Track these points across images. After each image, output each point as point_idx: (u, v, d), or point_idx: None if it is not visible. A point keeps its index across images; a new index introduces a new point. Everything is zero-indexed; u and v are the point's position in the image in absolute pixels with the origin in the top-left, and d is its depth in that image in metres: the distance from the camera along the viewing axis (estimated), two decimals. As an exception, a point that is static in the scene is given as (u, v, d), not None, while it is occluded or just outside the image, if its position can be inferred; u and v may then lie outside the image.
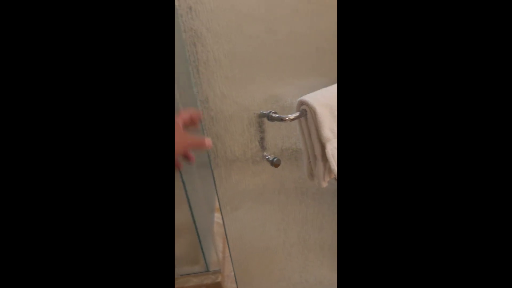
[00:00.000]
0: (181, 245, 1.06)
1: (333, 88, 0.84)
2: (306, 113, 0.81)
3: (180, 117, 0.66)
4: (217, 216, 1.28)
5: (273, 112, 0.86)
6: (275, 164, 0.91)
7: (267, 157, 0.93)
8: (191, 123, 0.69)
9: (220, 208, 0.99)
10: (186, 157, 0.70)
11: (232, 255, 1.07)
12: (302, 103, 0.81)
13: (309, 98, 0.79)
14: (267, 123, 0.92)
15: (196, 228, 1.06)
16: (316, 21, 0.88)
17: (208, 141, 0.65)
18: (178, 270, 1.10)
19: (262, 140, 0.91)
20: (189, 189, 1.00)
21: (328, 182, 0.91)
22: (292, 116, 0.80)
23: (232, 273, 1.12)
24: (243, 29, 0.78)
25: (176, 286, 1.06)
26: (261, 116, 0.88)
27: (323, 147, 0.82)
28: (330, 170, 0.86)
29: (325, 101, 0.79)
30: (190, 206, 1.03)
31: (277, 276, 1.22)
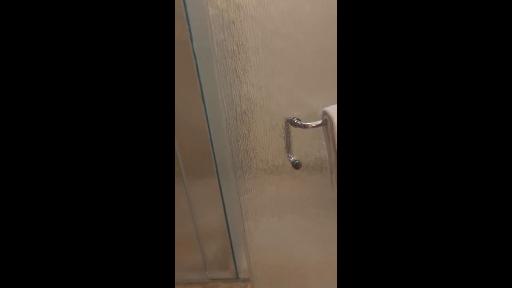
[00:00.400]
0: (213, 249, 1.08)
1: None
2: (327, 122, 0.84)
3: None
4: (252, 224, 1.29)
5: (296, 119, 0.90)
6: (295, 165, 0.93)
7: (290, 159, 0.95)
8: None
9: (242, 215, 1.01)
10: None
11: (251, 265, 1.07)
12: (325, 113, 0.85)
13: (331, 108, 0.83)
14: (294, 130, 0.95)
15: (229, 234, 1.08)
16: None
17: None
18: (208, 274, 1.13)
19: (288, 143, 0.96)
20: (225, 194, 1.03)
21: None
22: (314, 124, 0.85)
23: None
24: (270, 44, 0.85)
25: (205, 289, 1.07)
26: (287, 121, 0.94)
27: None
28: None
29: None
30: (225, 211, 1.06)
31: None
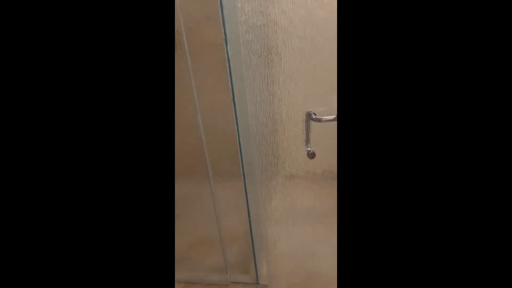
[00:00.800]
0: (235, 253, 1.08)
1: None
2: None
3: None
4: (275, 230, 1.28)
5: (313, 113, 0.96)
6: (309, 155, 0.97)
7: (307, 149, 1.01)
8: None
9: (265, 220, 1.00)
10: None
11: (270, 271, 1.05)
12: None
13: None
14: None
15: (252, 238, 1.08)
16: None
17: None
18: (229, 276, 1.12)
19: (307, 136, 1.02)
20: (250, 198, 1.03)
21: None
22: (327, 118, 0.93)
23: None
24: (290, 45, 0.91)
25: (225, 292, 1.07)
26: (307, 114, 1.00)
27: None
28: None
29: None
30: (249, 215, 1.06)
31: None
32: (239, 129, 0.98)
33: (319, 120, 0.94)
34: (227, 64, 0.88)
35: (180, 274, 1.20)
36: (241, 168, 1.02)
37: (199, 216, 1.20)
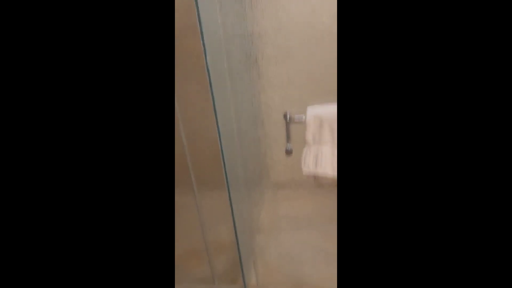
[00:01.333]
0: (222, 262, 1.07)
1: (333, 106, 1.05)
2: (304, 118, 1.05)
3: None
4: (262, 239, 1.27)
5: (288, 115, 1.08)
6: (286, 151, 1.08)
7: (286, 148, 1.12)
8: None
9: (251, 229, 0.99)
10: None
11: (259, 281, 1.05)
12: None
13: (310, 108, 1.03)
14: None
15: (239, 248, 1.07)
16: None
17: None
18: (216, 286, 1.11)
19: (287, 134, 1.13)
20: (235, 208, 1.02)
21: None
22: (297, 118, 1.06)
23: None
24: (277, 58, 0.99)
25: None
26: (284, 116, 1.11)
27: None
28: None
29: (318, 112, 1.02)
30: (234, 225, 1.04)
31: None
32: (220, 135, 0.97)
33: (290, 120, 1.05)
34: (207, 72, 0.88)
35: (166, 286, 1.17)
36: (225, 177, 1.00)
37: (184, 227, 1.18)
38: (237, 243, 1.07)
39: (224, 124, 0.94)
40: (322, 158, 1.03)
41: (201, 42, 0.81)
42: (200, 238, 1.12)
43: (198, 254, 1.16)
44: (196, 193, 1.10)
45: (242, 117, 0.93)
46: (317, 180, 1.04)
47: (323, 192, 0.99)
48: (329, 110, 1.05)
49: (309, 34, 0.98)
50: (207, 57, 0.84)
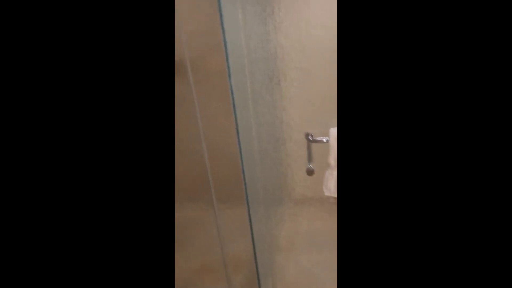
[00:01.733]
0: (240, 279, 1.07)
1: None
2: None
3: None
4: (282, 257, 1.26)
5: (310, 135, 1.09)
6: (308, 171, 1.07)
7: (308, 166, 1.12)
8: None
9: (271, 247, 0.98)
10: None
11: None
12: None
13: (334, 130, 1.02)
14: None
15: (257, 265, 1.06)
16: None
17: None
18: (234, 304, 1.10)
19: (309, 154, 1.13)
20: (254, 225, 1.02)
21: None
22: (319, 139, 1.06)
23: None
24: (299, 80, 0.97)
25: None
26: (306, 135, 1.13)
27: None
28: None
29: None
30: (253, 242, 1.04)
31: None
32: (242, 154, 0.99)
33: (313, 141, 1.06)
34: (230, 92, 0.90)
35: (184, 302, 1.18)
36: (245, 194, 1.01)
37: (203, 243, 1.19)
38: (255, 260, 1.07)
39: (245, 143, 0.96)
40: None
41: (226, 63, 0.83)
42: (218, 254, 1.13)
43: (215, 269, 1.16)
44: (216, 210, 1.11)
45: (263, 136, 0.94)
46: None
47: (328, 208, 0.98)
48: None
49: (330, 59, 1.00)
50: (231, 77, 0.87)
